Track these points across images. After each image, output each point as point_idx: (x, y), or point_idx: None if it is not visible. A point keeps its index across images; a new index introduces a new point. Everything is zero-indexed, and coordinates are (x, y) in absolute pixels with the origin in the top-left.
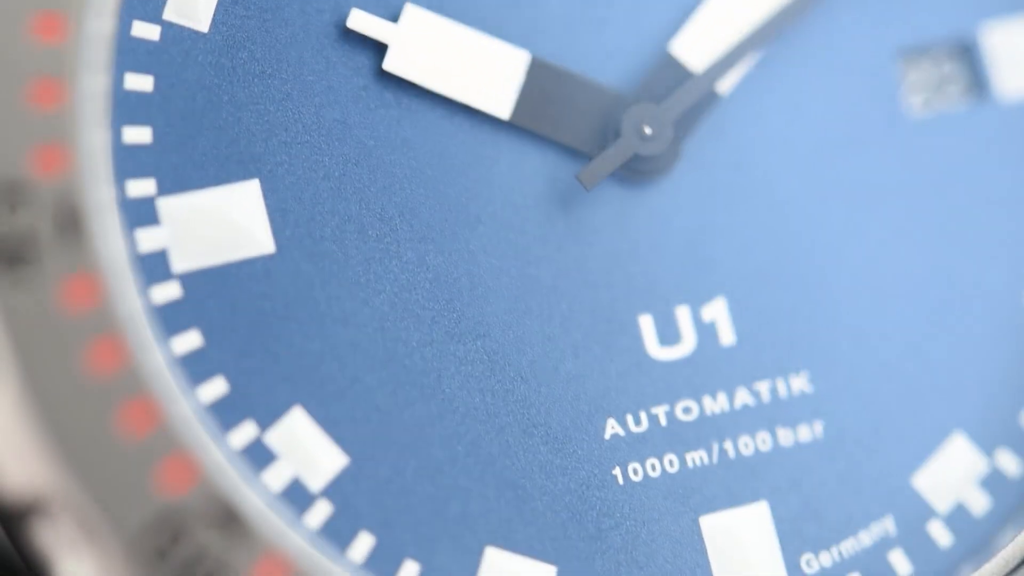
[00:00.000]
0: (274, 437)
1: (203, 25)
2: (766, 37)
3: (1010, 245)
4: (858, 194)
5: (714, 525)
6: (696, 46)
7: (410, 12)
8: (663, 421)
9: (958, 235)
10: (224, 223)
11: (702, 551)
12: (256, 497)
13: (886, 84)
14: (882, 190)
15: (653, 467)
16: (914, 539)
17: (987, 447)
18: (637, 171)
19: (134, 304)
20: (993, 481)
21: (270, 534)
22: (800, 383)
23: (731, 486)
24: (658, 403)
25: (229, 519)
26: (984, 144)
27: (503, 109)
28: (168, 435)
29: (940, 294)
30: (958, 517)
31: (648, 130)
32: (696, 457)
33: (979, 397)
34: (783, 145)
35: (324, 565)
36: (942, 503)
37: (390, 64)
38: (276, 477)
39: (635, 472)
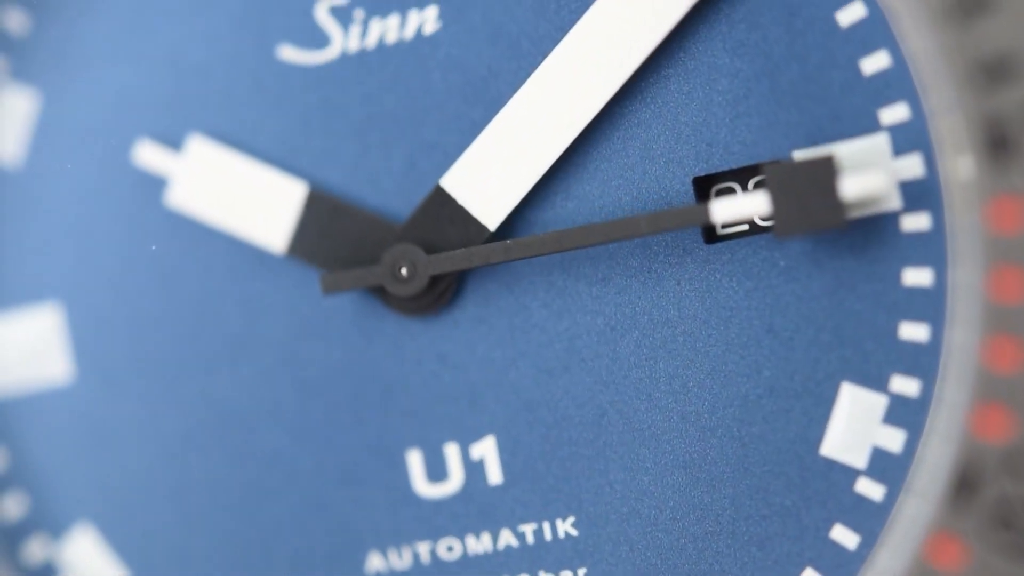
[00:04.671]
0: (64, 553)
1: (13, 157)
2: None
3: (788, 395)
4: (634, 343)
5: None
6: (467, 181)
7: (194, 144)
8: (425, 558)
9: (734, 386)
10: (26, 348)
11: None
12: None
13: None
14: (658, 341)
15: None
16: None
17: None
18: (403, 308)
19: None
20: None
21: None
22: (566, 527)
23: None
24: (422, 539)
25: None
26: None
27: (279, 242)
28: None
29: (717, 447)
30: None
31: (404, 272)
32: None
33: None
34: (566, 292)
35: None
36: None
37: (173, 199)
38: None
39: None
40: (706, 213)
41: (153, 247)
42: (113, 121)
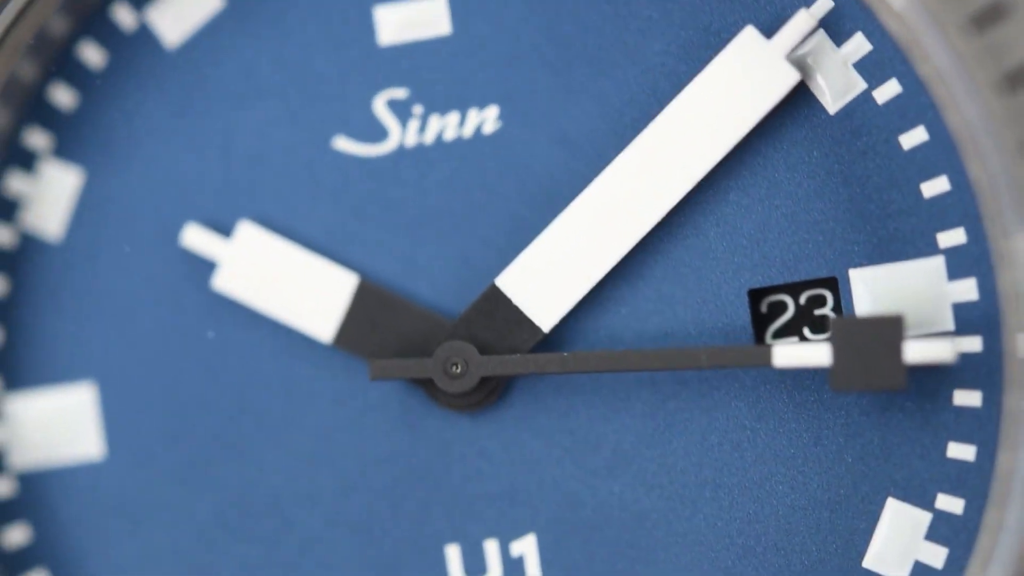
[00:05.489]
0: None
1: (55, 231)
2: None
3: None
4: (681, 449)
5: None
6: (523, 282)
7: (244, 230)
8: None
9: (779, 495)
10: (59, 425)
11: None
12: None
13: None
14: (705, 447)
15: None
16: None
17: None
18: (450, 403)
19: None
20: None
21: None
22: None
23: None
24: None
25: None
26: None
27: (327, 332)
28: None
29: (760, 555)
30: None
31: (456, 369)
32: None
33: None
34: (615, 395)
35: None
36: None
37: (220, 282)
38: None
39: None
40: (767, 356)
41: (211, 334)
42: (159, 202)
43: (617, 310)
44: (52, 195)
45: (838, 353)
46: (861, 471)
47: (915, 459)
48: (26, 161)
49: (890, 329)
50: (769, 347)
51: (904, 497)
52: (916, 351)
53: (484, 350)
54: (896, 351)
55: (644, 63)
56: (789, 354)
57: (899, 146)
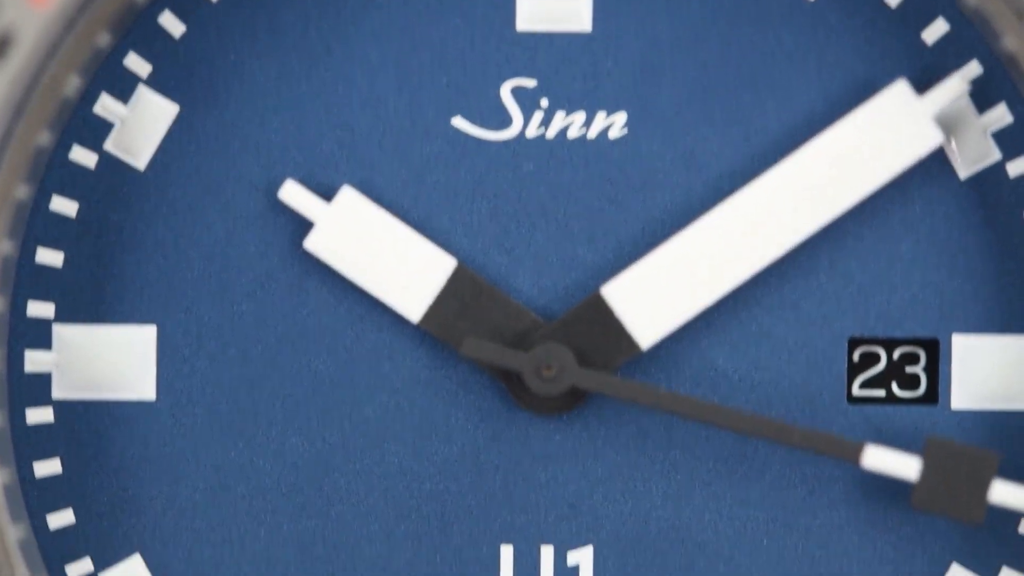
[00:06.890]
0: None
1: (141, 162)
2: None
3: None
4: (760, 493)
5: None
6: (629, 295)
7: (345, 194)
8: None
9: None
10: (112, 362)
11: None
12: None
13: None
14: (784, 502)
15: None
16: None
17: None
18: (529, 402)
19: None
20: None
21: None
22: None
23: None
24: None
25: None
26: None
27: (415, 311)
28: None
29: None
30: None
31: (549, 372)
32: None
33: None
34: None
35: None
36: None
37: (312, 243)
38: None
39: None
40: (858, 454)
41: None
42: (256, 149)
43: (714, 336)
44: (143, 123)
45: (926, 473)
46: (930, 534)
47: (985, 530)
48: (122, 86)
49: (983, 465)
50: (861, 445)
51: (969, 564)
52: (1002, 494)
53: (576, 354)
54: (983, 488)
55: (785, 97)
56: (878, 459)
57: None
